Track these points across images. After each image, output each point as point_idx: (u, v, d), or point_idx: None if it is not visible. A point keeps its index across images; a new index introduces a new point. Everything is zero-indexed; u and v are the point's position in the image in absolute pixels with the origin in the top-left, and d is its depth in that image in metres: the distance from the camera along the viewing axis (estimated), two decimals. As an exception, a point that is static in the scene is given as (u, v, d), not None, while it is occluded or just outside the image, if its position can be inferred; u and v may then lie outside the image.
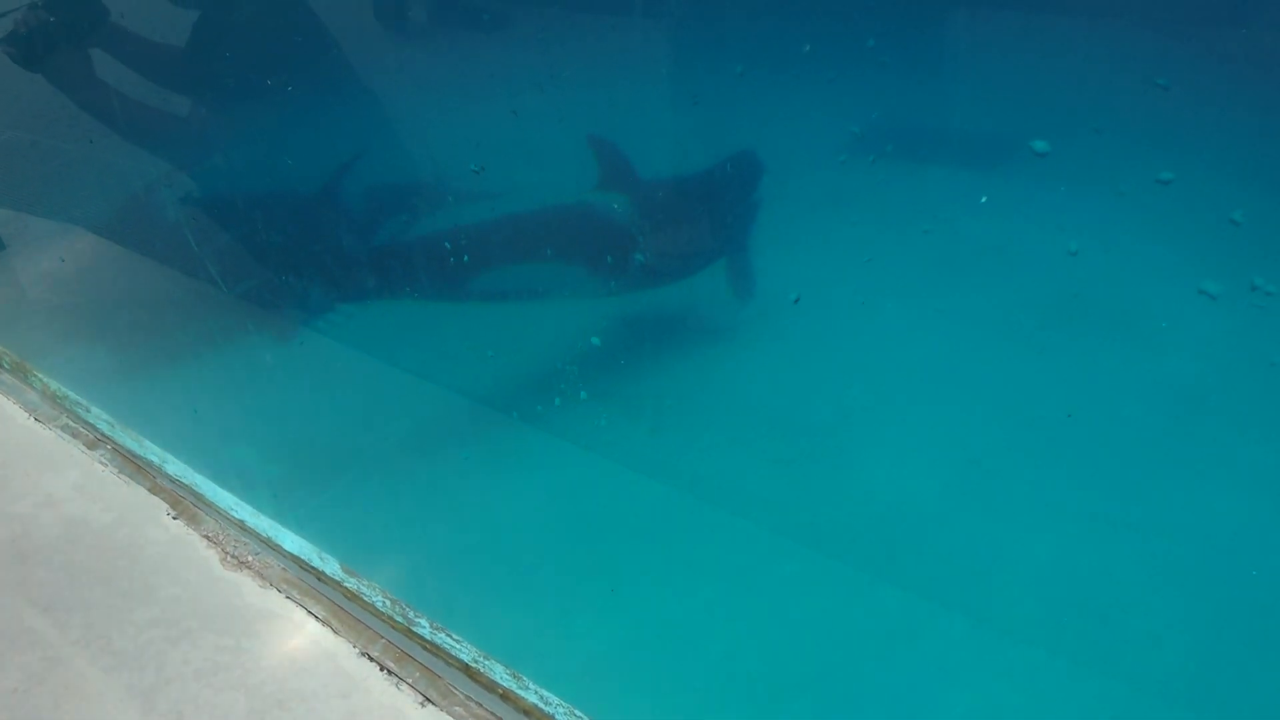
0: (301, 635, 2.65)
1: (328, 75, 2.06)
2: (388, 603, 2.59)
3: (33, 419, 3.44)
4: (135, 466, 3.19)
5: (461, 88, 1.80)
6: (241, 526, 2.89)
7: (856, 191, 1.39)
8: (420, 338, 2.37)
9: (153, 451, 3.09)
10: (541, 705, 2.30)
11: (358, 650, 2.58)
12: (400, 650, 2.55)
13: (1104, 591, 1.68)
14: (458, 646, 2.46)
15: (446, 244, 1.96)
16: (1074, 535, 1.65)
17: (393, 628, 2.57)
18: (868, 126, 1.33)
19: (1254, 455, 1.31)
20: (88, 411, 3.32)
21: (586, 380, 2.16)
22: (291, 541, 2.78)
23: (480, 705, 2.38)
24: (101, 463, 3.22)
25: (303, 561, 2.76)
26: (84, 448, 3.29)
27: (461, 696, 2.41)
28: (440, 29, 1.77)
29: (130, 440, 3.17)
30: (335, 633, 2.63)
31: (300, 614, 2.70)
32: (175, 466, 3.03)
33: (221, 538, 2.93)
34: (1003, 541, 1.74)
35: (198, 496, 2.99)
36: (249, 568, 2.84)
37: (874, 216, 1.40)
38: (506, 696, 2.35)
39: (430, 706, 2.39)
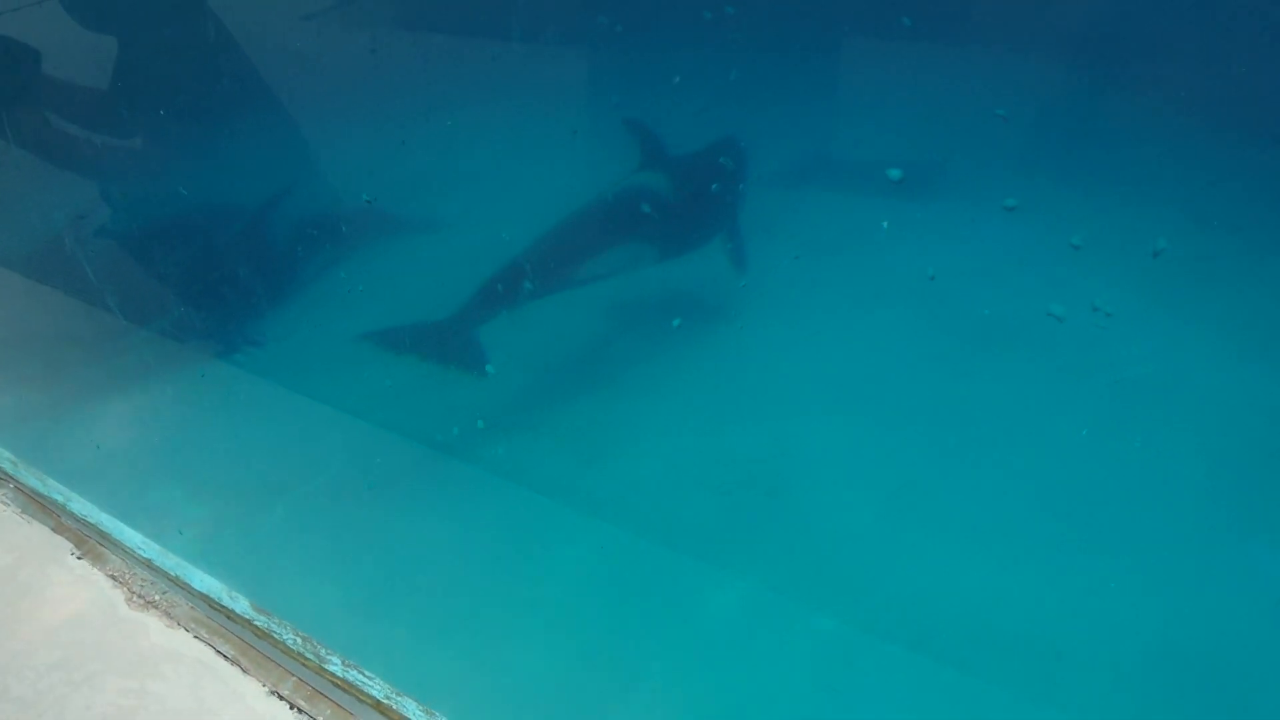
0: (210, 675, 2.58)
1: (231, 112, 2.05)
2: (299, 640, 2.54)
3: (-68, 459, 3.32)
4: (39, 505, 3.09)
5: (356, 121, 1.80)
6: (149, 565, 2.82)
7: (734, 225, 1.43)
8: (330, 371, 2.35)
9: (56, 490, 3.00)
10: (453, 740, 2.27)
11: (267, 689, 2.52)
12: (311, 688, 2.50)
13: (1037, 614, 1.71)
14: (370, 683, 2.42)
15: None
16: (1004, 553, 1.68)
17: (304, 665, 2.52)
18: (736, 158, 1.37)
19: (1112, 472, 1.36)
20: (-11, 451, 3.22)
21: (505, 411, 2.15)
22: (200, 580, 2.71)
23: (390, 742, 2.34)
24: (3, 502, 3.12)
25: (211, 600, 2.69)
26: (-15, 488, 3.18)
27: (371, 733, 2.37)
28: (334, 65, 1.77)
29: (33, 479, 3.08)
30: (244, 671, 2.57)
31: (209, 654, 2.64)
32: (80, 505, 2.95)
33: (128, 577, 2.85)
34: (939, 564, 1.76)
35: (103, 535, 2.91)
36: (156, 607, 2.77)
37: (750, 244, 1.43)
38: (417, 732, 2.31)
39: (339, 745, 2.34)
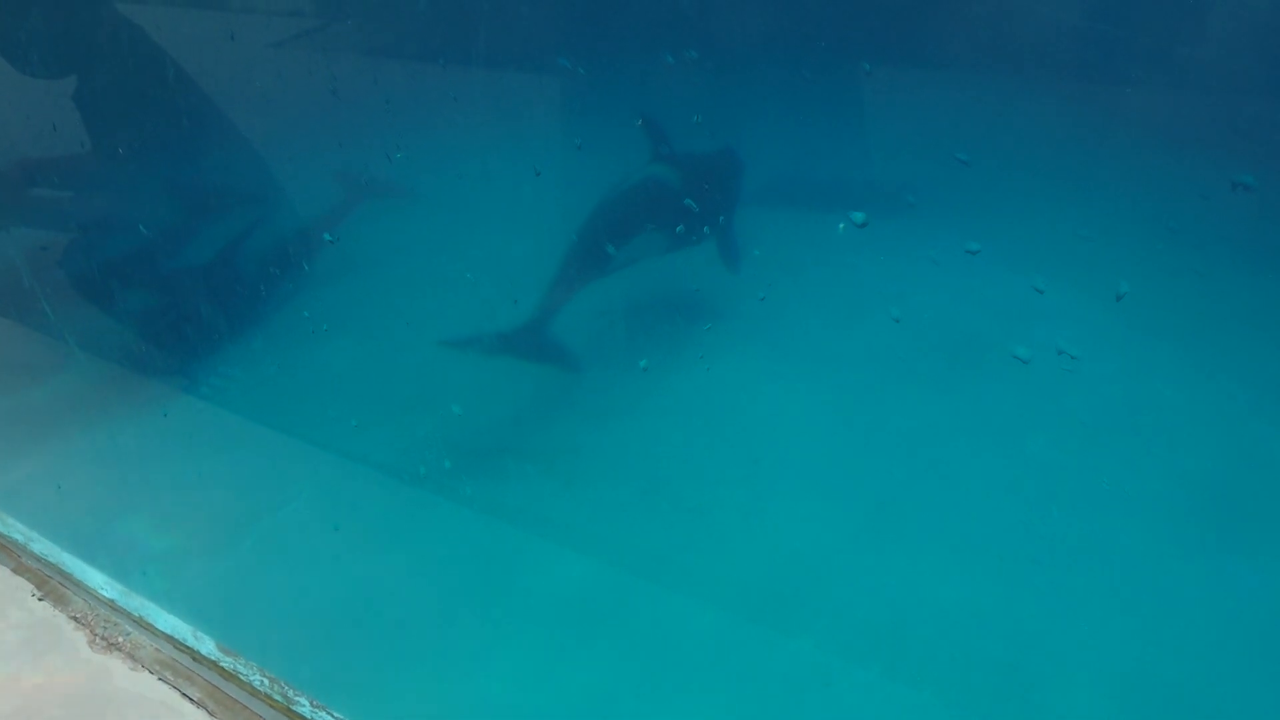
0: (175, 720, 2.52)
1: (192, 151, 2.02)
2: (266, 681, 2.49)
3: (-112, 498, 3.24)
4: (-1, 546, 3.02)
5: (317, 161, 1.78)
6: (112, 606, 2.76)
7: (701, 262, 1.42)
8: (295, 410, 2.31)
9: (16, 530, 2.93)
10: (423, 783, 2.22)
11: (234, 733, 2.46)
12: (279, 731, 2.45)
13: (1012, 634, 1.70)
14: (339, 724, 2.38)
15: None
16: (981, 575, 1.67)
17: (271, 707, 2.47)
18: (702, 202, 1.36)
19: (1087, 497, 1.35)
20: (-53, 489, 3.14)
21: (477, 443, 2.12)
22: (165, 621, 2.66)
23: (360, 786, 2.29)
24: (-38, 543, 3.04)
25: (177, 641, 2.64)
26: (-56, 528, 3.10)
27: (341, 778, 2.32)
28: (295, 107, 1.75)
29: (-7, 519, 3.01)
30: (211, 715, 2.51)
31: (174, 697, 2.58)
32: (41, 545, 2.88)
33: (90, 618, 2.79)
34: (914, 586, 1.75)
35: (65, 576, 2.84)
36: (119, 649, 2.70)
37: (716, 286, 1.42)
38: (387, 776, 2.27)
39: (307, 790, 2.29)
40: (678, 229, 1.48)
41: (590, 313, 1.79)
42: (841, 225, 1.21)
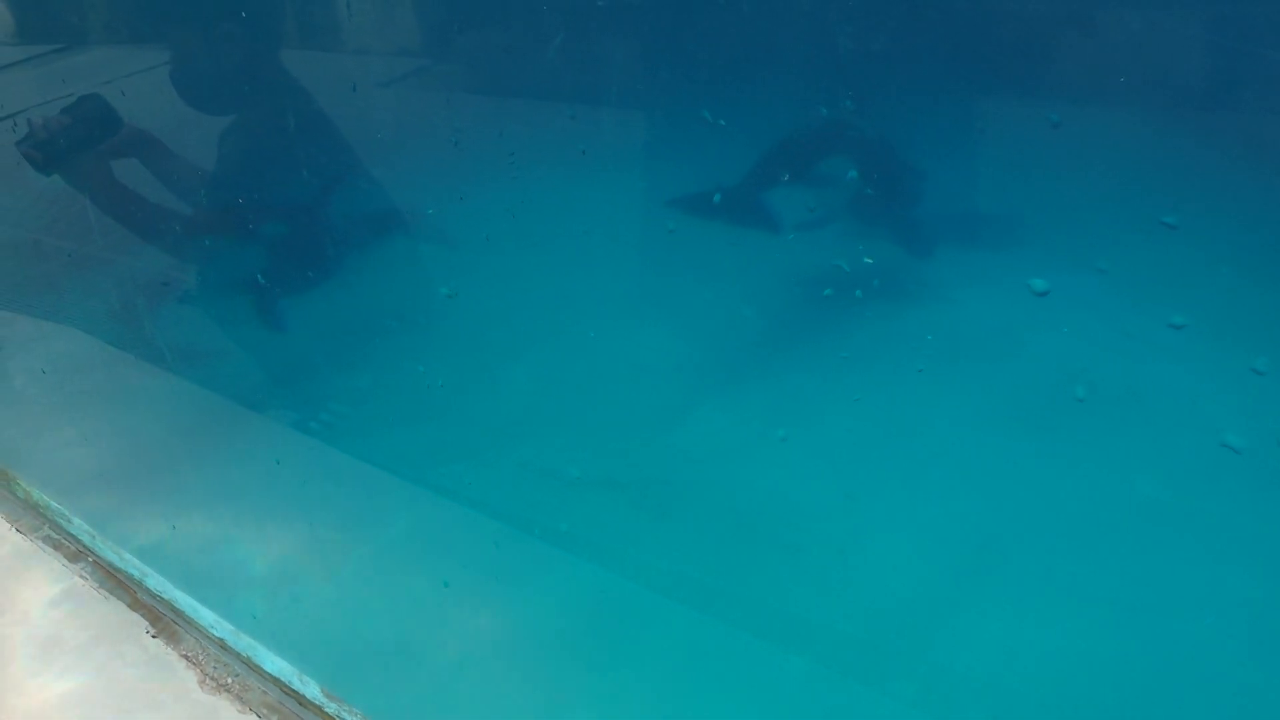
0: (281, 766, 2.51)
1: (309, 198, 2.01)
2: (370, 731, 2.45)
3: (14, 529, 3.34)
4: (116, 580, 3.08)
5: (437, 213, 1.73)
6: (222, 645, 2.77)
7: (855, 324, 1.30)
8: (409, 464, 2.27)
9: (133, 565, 2.98)
10: None
11: (338, 783, 2.43)
12: (383, 783, 2.40)
13: (1123, 685, 1.54)
14: (444, 781, 2.31)
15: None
16: (1090, 621, 1.51)
17: (375, 758, 2.42)
18: (854, 265, 1.25)
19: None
20: (69, 522, 3.22)
21: (591, 479, 2.05)
22: (272, 663, 2.65)
23: None
24: (82, 576, 3.12)
25: (283, 684, 2.62)
26: (65, 560, 3.19)
27: (446, 840, 2.25)
28: (415, 157, 1.71)
29: (110, 553, 3.07)
30: (315, 763, 2.49)
31: (280, 742, 2.56)
32: (155, 581, 2.92)
33: (201, 658, 2.81)
34: (1020, 634, 1.60)
35: (177, 613, 2.87)
36: (228, 691, 2.71)
37: (860, 351, 1.30)
38: (494, 841, 2.19)
39: None
40: (865, 171, 1.29)
41: (733, 373, 1.68)
42: (1021, 292, 1.09)
